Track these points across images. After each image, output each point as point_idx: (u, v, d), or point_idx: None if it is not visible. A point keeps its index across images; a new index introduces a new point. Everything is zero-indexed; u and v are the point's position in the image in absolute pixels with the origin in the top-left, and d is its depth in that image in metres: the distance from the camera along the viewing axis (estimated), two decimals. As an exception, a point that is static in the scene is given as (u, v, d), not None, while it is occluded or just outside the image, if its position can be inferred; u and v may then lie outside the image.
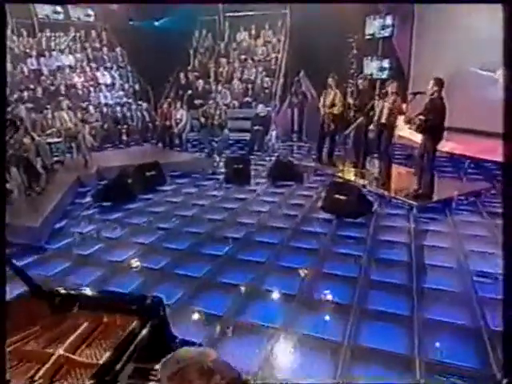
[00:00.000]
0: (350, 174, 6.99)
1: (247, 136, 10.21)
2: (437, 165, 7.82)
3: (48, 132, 8.04)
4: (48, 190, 6.52)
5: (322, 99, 7.94)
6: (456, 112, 7.95)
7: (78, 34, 13.21)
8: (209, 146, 8.34)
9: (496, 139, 7.38)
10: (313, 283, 3.86)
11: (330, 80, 7.60)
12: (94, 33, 13.52)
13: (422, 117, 5.53)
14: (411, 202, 5.63)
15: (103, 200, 6.27)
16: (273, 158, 9.24)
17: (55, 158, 7.83)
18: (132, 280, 3.99)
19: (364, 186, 6.38)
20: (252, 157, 9.52)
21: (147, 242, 4.88)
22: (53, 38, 12.67)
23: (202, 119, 8.29)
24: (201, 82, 10.97)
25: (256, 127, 10.06)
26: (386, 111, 6.19)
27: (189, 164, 8.06)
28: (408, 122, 5.71)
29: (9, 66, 11.19)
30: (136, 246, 4.78)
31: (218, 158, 8.18)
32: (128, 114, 11.83)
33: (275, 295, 3.69)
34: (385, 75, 9.15)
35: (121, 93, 12.49)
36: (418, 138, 6.05)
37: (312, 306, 3.50)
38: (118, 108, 11.87)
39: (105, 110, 11.62)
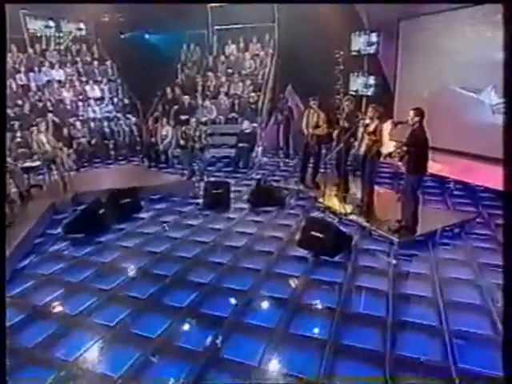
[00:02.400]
0: (331, 200, 6.44)
1: (233, 152, 9.68)
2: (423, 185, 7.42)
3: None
4: (20, 219, 6.00)
5: (304, 119, 7.38)
6: (442, 133, 7.48)
7: (69, 48, 12.68)
8: (189, 168, 7.78)
9: (483, 161, 6.89)
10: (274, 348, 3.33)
11: (311, 103, 7.04)
12: (85, 46, 12.96)
13: (404, 147, 4.99)
14: (392, 237, 5.08)
15: (74, 232, 5.74)
16: (258, 176, 8.80)
17: (33, 182, 7.30)
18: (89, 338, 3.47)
19: (345, 215, 5.84)
20: (237, 175, 9.04)
21: (110, 288, 4.35)
22: (43, 53, 12.12)
23: (182, 141, 7.72)
24: (186, 97, 10.38)
25: (241, 144, 9.51)
26: (365, 142, 5.60)
27: (170, 187, 7.51)
28: (389, 155, 5.15)
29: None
30: (99, 294, 4.23)
31: (198, 181, 7.62)
32: (116, 129, 11.29)
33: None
34: (370, 92, 8.58)
35: (110, 107, 11.94)
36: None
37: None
38: (106, 123, 11.32)
39: (92, 125, 11.07)
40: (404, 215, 5.28)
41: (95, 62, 12.66)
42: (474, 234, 5.41)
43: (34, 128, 7.62)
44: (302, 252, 4.92)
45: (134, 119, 11.58)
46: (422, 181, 5.21)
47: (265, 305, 3.98)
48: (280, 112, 9.64)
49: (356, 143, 5.83)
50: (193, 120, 7.77)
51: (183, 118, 10.15)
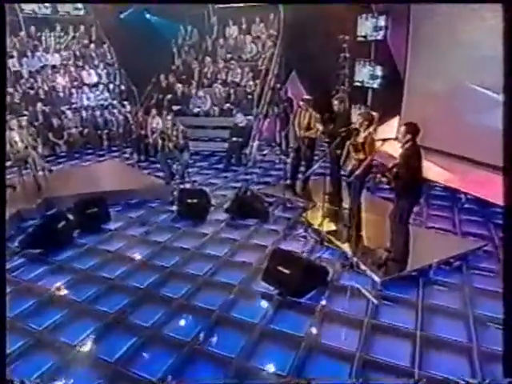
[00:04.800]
0: (316, 216, 5.63)
1: (225, 147, 8.93)
2: (428, 196, 6.48)
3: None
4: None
5: (296, 119, 6.51)
6: (454, 136, 6.42)
7: (65, 30, 12.00)
8: (167, 170, 7.09)
9: (497, 172, 5.83)
10: None
11: (302, 103, 6.15)
12: (82, 28, 12.24)
13: (394, 169, 4.11)
14: (374, 276, 4.27)
15: (32, 246, 5.25)
16: (248, 177, 8.07)
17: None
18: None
19: (329, 241, 5.05)
20: (227, 174, 8.32)
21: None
22: (38, 35, 11.51)
23: (159, 141, 7.01)
24: (179, 86, 9.58)
25: (234, 138, 8.72)
26: (353, 159, 4.69)
27: (147, 191, 6.89)
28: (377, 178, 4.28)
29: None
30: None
31: (178, 185, 6.95)
32: (110, 118, 10.71)
33: None
34: (376, 84, 7.51)
35: (105, 93, 11.32)
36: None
37: None
38: (100, 111, 10.74)
39: (85, 114, 10.52)
40: (393, 246, 4.45)
41: (92, 45, 11.95)
42: (478, 270, 4.52)
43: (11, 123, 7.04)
44: (266, 288, 4.23)
45: (129, 107, 10.94)
46: (413, 207, 4.33)
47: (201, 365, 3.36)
48: (276, 104, 8.70)
49: (342, 157, 4.94)
50: (169, 118, 7.01)
51: (176, 108, 9.42)
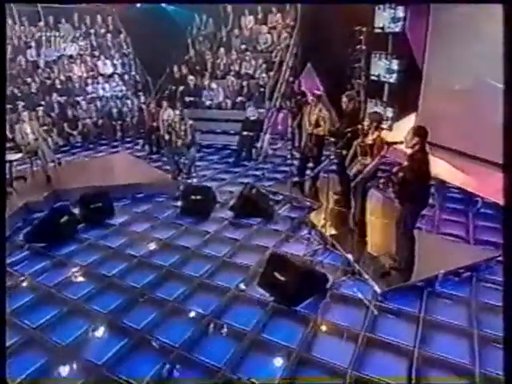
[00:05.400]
0: (320, 217, 5.42)
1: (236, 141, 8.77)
2: (443, 198, 6.17)
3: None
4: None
5: (305, 116, 6.27)
6: (473, 136, 6.04)
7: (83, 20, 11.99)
8: (174, 165, 7.00)
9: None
10: None
11: (311, 99, 5.91)
12: (99, 17, 12.21)
13: (400, 174, 3.86)
14: (375, 286, 4.07)
15: (35, 240, 5.29)
16: (258, 173, 7.91)
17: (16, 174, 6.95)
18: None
19: (332, 245, 4.86)
20: (236, 169, 8.18)
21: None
22: (57, 26, 11.55)
23: (166, 136, 6.91)
24: (192, 77, 9.44)
25: (245, 133, 8.55)
26: (358, 163, 4.43)
27: (154, 186, 6.84)
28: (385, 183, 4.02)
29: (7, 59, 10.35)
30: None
31: (185, 180, 6.86)
32: (124, 109, 10.71)
33: None
34: (393, 79, 7.13)
35: (120, 84, 11.30)
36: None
37: None
38: (115, 102, 10.75)
39: (100, 104, 10.55)
40: (397, 255, 4.23)
41: (109, 35, 11.93)
42: (488, 282, 4.23)
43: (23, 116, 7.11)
44: (262, 294, 4.10)
45: (143, 98, 10.91)
46: (419, 215, 4.08)
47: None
48: (289, 98, 8.43)
49: (348, 158, 4.69)
50: (176, 113, 6.89)
51: (188, 100, 9.30)
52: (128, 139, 10.42)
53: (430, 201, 6.01)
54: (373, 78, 7.58)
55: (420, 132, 3.67)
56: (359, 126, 4.50)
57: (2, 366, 2.66)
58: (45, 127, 9.38)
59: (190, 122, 6.93)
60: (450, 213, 5.86)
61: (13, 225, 5.75)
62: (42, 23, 11.25)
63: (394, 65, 6.96)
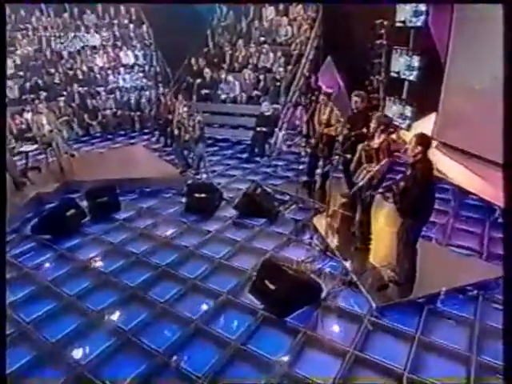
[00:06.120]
0: (323, 221, 5.21)
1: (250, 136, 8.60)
2: (459, 205, 5.81)
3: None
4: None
5: (316, 114, 6.02)
6: (494, 141, 5.58)
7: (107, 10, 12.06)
8: (182, 160, 6.93)
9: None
10: None
11: (322, 97, 5.66)
12: (123, 8, 12.24)
13: (401, 184, 3.60)
14: (371, 300, 3.85)
15: (41, 232, 5.39)
16: (269, 170, 7.74)
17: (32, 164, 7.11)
18: None
19: (332, 252, 4.66)
20: (248, 165, 8.02)
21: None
22: (81, 16, 11.68)
23: (176, 130, 6.84)
24: (207, 70, 9.30)
25: (259, 128, 8.37)
26: (363, 171, 4.15)
27: (163, 180, 6.81)
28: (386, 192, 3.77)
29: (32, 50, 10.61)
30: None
31: (193, 176, 6.79)
32: (143, 100, 10.73)
33: None
34: (413, 77, 6.71)
35: (141, 75, 11.34)
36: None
37: None
38: (134, 93, 10.79)
39: (119, 95, 10.62)
40: (397, 268, 3.98)
41: (131, 26, 11.95)
42: (497, 303, 3.88)
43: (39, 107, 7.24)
44: (252, 301, 3.98)
45: (162, 90, 10.88)
46: (421, 229, 3.80)
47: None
48: (305, 93, 8.16)
49: (353, 164, 4.42)
50: (185, 109, 6.79)
51: (204, 92, 9.19)
52: (146, 131, 10.48)
53: (444, 207, 5.82)
54: (392, 74, 7.17)
55: (423, 141, 3.38)
56: (364, 130, 4.23)
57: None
58: (65, 117, 9.64)
59: (199, 117, 6.82)
60: (464, 221, 5.50)
61: (23, 215, 5.92)
62: (66, 14, 11.39)
63: (415, 61, 6.54)
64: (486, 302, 3.92)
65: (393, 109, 7.23)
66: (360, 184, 3.99)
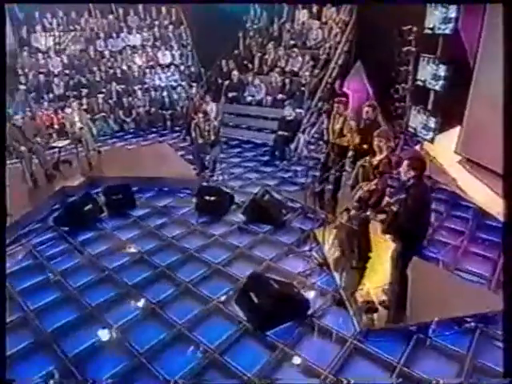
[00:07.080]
0: (326, 232, 5.02)
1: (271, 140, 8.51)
2: (477, 226, 5.42)
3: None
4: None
5: (330, 123, 5.82)
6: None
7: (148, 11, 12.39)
8: (199, 162, 6.99)
9: None
10: None
11: (336, 106, 5.45)
12: (164, 9, 12.52)
13: (393, 207, 3.39)
14: (355, 322, 3.67)
15: (62, 224, 5.69)
16: (287, 175, 7.62)
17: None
18: None
19: (328, 267, 4.51)
20: (267, 168, 7.94)
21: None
22: (125, 17, 12.10)
23: (193, 133, 6.90)
24: (235, 72, 9.29)
25: (280, 132, 8.26)
26: (362, 189, 3.94)
27: (181, 181, 6.92)
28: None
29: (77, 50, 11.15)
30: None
31: (209, 178, 6.86)
32: (175, 99, 10.96)
33: None
34: (438, 86, 6.27)
35: (176, 74, 11.58)
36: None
37: None
38: (168, 92, 11.03)
39: (154, 93, 10.91)
40: (388, 291, 3.77)
41: (171, 26, 12.21)
42: (496, 340, 3.56)
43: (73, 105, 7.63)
44: (237, 312, 3.95)
45: (194, 90, 11.04)
46: (412, 256, 3.55)
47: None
48: (328, 99, 7.90)
49: (351, 180, 4.22)
50: (200, 116, 6.82)
51: (231, 95, 9.21)
52: (176, 129, 10.69)
53: (460, 227, 5.43)
54: (418, 83, 6.76)
55: (417, 165, 3.14)
56: (364, 146, 4.02)
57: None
58: (103, 113, 10.09)
59: (215, 122, 6.86)
60: (479, 244, 5.09)
61: (49, 207, 6.29)
62: (111, 16, 11.85)
63: (442, 71, 6.11)
64: (482, 336, 3.61)
65: (417, 119, 6.82)
66: (354, 203, 3.81)
